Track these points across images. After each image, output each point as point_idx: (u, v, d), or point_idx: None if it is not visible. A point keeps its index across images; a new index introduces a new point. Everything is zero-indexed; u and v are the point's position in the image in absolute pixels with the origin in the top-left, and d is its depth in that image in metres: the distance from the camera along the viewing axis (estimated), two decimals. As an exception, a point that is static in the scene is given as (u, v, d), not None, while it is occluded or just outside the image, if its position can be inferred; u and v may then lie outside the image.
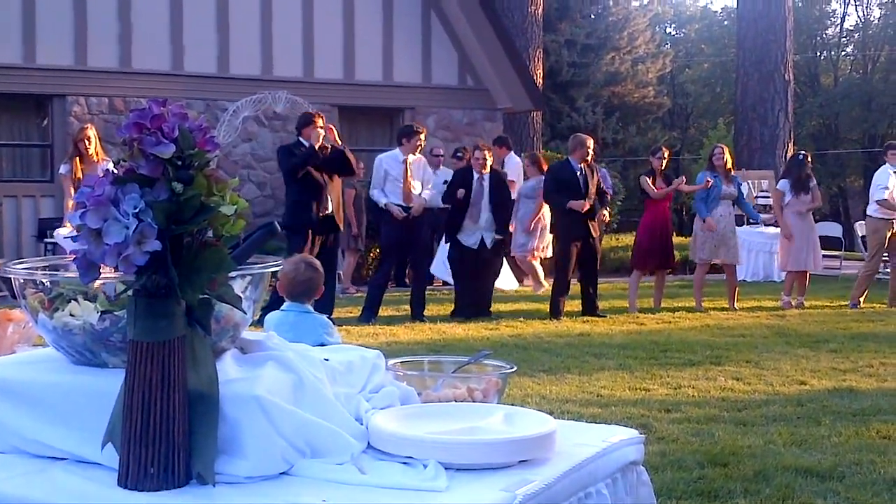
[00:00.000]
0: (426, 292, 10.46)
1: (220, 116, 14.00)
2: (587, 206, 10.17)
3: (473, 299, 10.32)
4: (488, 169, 10.35)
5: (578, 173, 10.31)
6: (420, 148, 10.24)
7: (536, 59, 20.66)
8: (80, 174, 9.06)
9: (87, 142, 9.06)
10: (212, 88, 14.24)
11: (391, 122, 15.70)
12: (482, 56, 15.78)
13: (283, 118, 14.60)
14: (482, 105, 16.20)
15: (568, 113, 28.53)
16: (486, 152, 10.38)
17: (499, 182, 10.44)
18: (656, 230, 10.98)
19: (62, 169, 9.56)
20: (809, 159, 11.78)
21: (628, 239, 18.15)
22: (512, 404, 2.18)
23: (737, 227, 11.66)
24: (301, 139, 9.36)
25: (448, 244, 10.70)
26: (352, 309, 10.38)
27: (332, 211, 9.28)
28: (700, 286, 11.19)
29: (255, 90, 14.08)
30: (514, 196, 11.73)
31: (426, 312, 10.06)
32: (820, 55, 40.73)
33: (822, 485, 4.34)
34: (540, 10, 21.29)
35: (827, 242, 14.58)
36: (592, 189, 10.34)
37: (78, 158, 9.16)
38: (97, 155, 9.18)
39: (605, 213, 10.87)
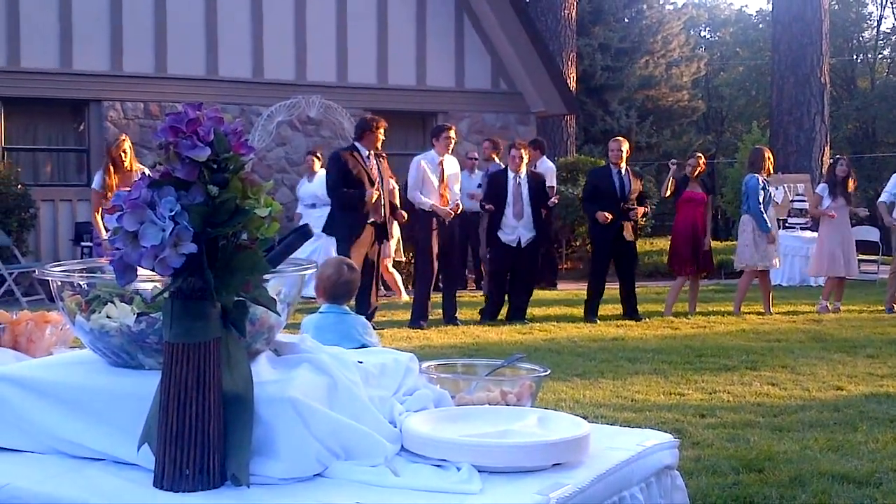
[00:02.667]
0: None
1: (254, 121, 14.08)
2: (611, 218, 10.16)
3: (510, 301, 10.34)
4: (524, 167, 10.33)
5: (615, 178, 10.32)
6: (452, 145, 10.03)
7: (570, 63, 20.65)
8: (112, 189, 8.82)
9: (123, 155, 8.96)
10: (246, 93, 14.33)
11: (424, 126, 15.70)
12: (515, 60, 15.77)
13: (317, 123, 14.67)
14: (515, 109, 16.19)
15: (602, 117, 28.43)
16: (522, 150, 10.32)
17: (536, 183, 10.42)
18: (689, 234, 10.86)
19: (94, 184, 9.33)
20: (843, 163, 11.65)
21: (662, 243, 18.05)
22: (545, 409, 2.17)
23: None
24: (357, 144, 9.16)
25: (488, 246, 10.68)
26: (385, 313, 10.39)
27: (384, 217, 9.17)
28: (745, 292, 11.07)
29: (288, 95, 14.15)
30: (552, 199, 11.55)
31: (458, 316, 10.05)
32: (856, 58, 40.32)
33: (858, 491, 4.29)
34: (573, 14, 21.28)
35: (864, 247, 14.43)
36: (634, 194, 10.35)
37: (112, 169, 8.99)
38: (134, 169, 8.99)
39: (632, 219, 10.47)
